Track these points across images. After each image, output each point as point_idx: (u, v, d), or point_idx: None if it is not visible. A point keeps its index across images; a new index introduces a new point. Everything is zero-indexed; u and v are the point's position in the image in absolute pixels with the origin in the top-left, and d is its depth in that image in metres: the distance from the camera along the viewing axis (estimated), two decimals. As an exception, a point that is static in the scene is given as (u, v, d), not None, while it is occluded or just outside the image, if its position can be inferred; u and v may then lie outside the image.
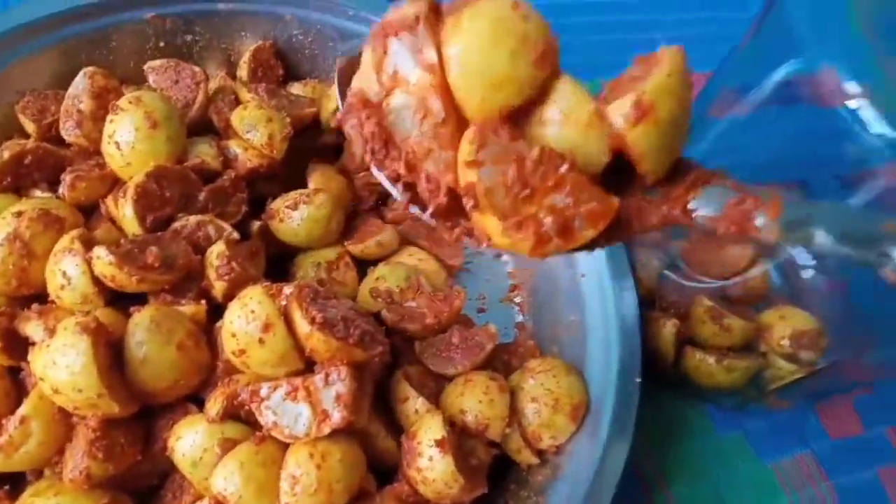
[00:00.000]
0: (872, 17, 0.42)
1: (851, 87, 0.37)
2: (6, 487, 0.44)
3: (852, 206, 0.38)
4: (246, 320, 0.43)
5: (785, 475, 0.63)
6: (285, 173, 0.62)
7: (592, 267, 0.58)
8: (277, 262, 0.58)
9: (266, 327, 0.43)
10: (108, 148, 0.53)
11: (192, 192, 0.54)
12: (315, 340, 0.43)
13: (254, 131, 0.57)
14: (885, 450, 0.66)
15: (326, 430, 0.42)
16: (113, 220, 0.53)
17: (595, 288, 0.57)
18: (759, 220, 0.32)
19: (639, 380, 0.52)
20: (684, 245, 0.61)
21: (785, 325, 0.57)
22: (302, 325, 0.43)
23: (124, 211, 0.50)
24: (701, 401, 0.64)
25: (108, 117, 0.53)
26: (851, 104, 0.37)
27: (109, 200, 0.53)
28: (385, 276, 0.58)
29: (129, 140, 0.52)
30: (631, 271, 0.58)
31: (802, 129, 0.49)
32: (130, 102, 0.53)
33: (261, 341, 0.43)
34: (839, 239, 0.31)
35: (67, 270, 0.45)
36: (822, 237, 0.31)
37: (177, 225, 0.51)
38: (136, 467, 0.44)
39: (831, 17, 0.43)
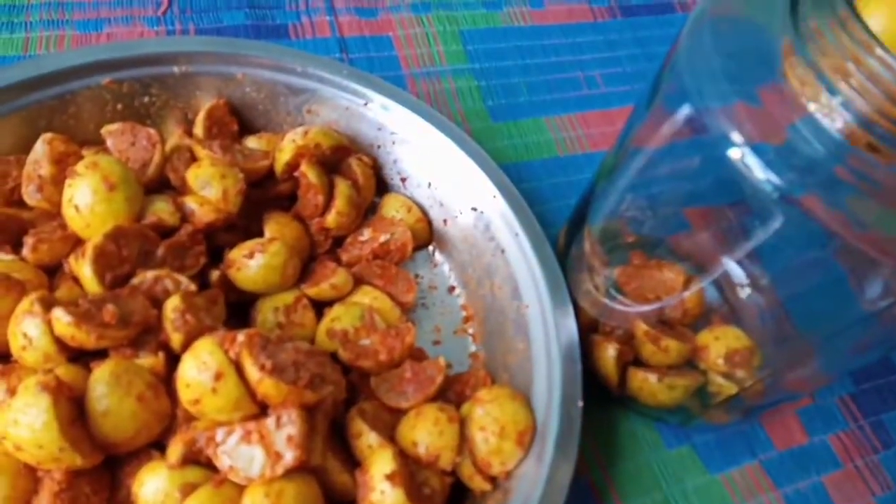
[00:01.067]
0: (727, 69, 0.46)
1: (735, 136, 0.42)
2: (-26, 544, 0.46)
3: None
4: (198, 370, 0.46)
5: (734, 486, 0.66)
6: (243, 223, 0.65)
7: (534, 297, 0.62)
8: (239, 307, 0.61)
9: (218, 376, 0.45)
10: (67, 211, 0.55)
11: (150, 248, 0.57)
12: (265, 386, 0.46)
13: (209, 187, 0.60)
14: (828, 458, 0.70)
15: (280, 470, 0.45)
16: (75, 279, 0.55)
17: (538, 317, 0.61)
18: None
19: (580, 404, 0.56)
20: (620, 271, 0.65)
21: (719, 344, 0.61)
22: (252, 373, 0.46)
23: (83, 271, 0.52)
24: (650, 419, 0.67)
25: (67, 182, 0.56)
26: (735, 154, 0.42)
27: (72, 260, 0.56)
28: (340, 317, 0.61)
29: (87, 203, 0.55)
30: (571, 299, 0.62)
31: (710, 165, 0.53)
32: (87, 167, 0.56)
33: (213, 390, 0.45)
34: None
35: (28, 332, 0.47)
36: None
37: (135, 281, 0.54)
38: (101, 516, 0.46)
39: (705, 74, 0.45)
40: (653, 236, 0.70)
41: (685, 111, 0.47)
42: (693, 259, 0.68)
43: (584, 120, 0.91)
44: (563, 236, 0.71)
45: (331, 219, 0.66)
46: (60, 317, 0.46)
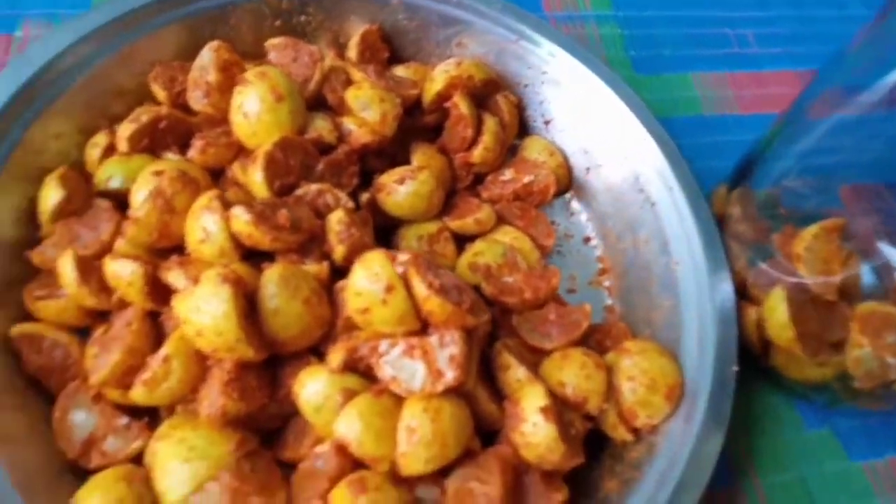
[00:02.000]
0: None
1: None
2: (145, 419, 0.49)
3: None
4: (370, 281, 0.46)
5: (876, 476, 0.62)
6: (391, 150, 0.65)
7: (686, 254, 0.59)
8: (382, 233, 0.61)
9: (388, 288, 0.45)
10: (235, 117, 0.56)
11: (311, 163, 0.57)
12: (432, 304, 0.46)
13: (368, 110, 0.60)
14: None
15: (440, 387, 0.45)
16: (238, 185, 0.57)
17: (689, 274, 0.58)
18: None
19: (735, 368, 0.53)
20: (779, 238, 0.61)
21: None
22: (420, 289, 0.46)
23: (254, 176, 0.53)
24: (793, 396, 0.64)
25: (237, 89, 0.57)
26: None
27: (236, 166, 0.57)
28: (483, 252, 0.60)
29: (255, 111, 0.55)
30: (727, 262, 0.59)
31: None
32: (257, 77, 0.56)
33: (384, 301, 0.45)
34: None
35: (207, 226, 0.49)
36: None
37: (299, 192, 0.54)
38: (263, 410, 0.47)
39: None
40: (810, 211, 0.66)
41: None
42: (851, 241, 0.63)
43: (734, 80, 0.85)
44: (716, 197, 0.67)
45: (477, 154, 0.65)
46: (240, 215, 0.47)
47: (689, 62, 0.86)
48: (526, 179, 0.66)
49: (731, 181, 0.66)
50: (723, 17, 0.92)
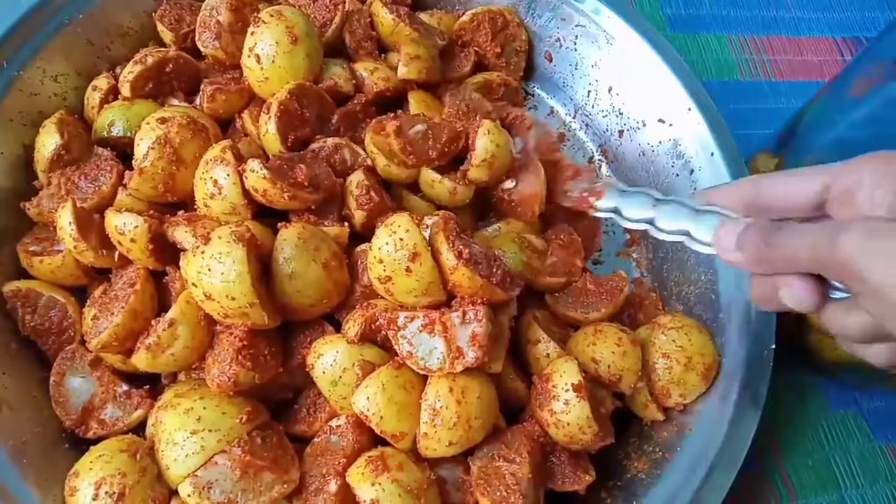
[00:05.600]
0: None
1: None
2: (147, 387, 0.46)
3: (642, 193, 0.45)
4: (394, 247, 0.42)
5: (902, 458, 0.60)
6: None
7: (727, 227, 0.55)
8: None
9: (414, 256, 0.42)
10: (247, 61, 0.52)
11: (327, 115, 0.53)
12: (459, 275, 0.42)
13: (406, 49, 0.56)
14: None
15: (459, 367, 0.42)
16: (247, 136, 0.52)
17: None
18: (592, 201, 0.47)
19: (773, 346, 0.50)
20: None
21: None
22: (449, 259, 0.42)
23: (267, 128, 0.49)
24: (821, 375, 0.62)
25: (250, 29, 0.52)
26: None
27: (246, 115, 0.53)
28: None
29: (269, 54, 0.51)
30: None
31: None
32: (272, 16, 0.51)
33: (408, 270, 0.42)
34: (629, 219, 0.44)
35: (219, 179, 0.45)
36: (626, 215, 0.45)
37: (315, 146, 0.50)
38: (275, 380, 0.44)
39: None
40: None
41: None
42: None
43: (770, 44, 0.80)
44: (757, 165, 0.63)
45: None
46: (256, 170, 0.43)
47: (726, 23, 0.81)
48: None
49: (774, 149, 0.62)
50: (762, -26, 0.86)
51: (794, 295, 0.35)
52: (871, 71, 0.56)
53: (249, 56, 0.51)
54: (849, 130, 0.58)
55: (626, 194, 0.46)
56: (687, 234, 0.42)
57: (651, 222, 0.43)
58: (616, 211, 0.46)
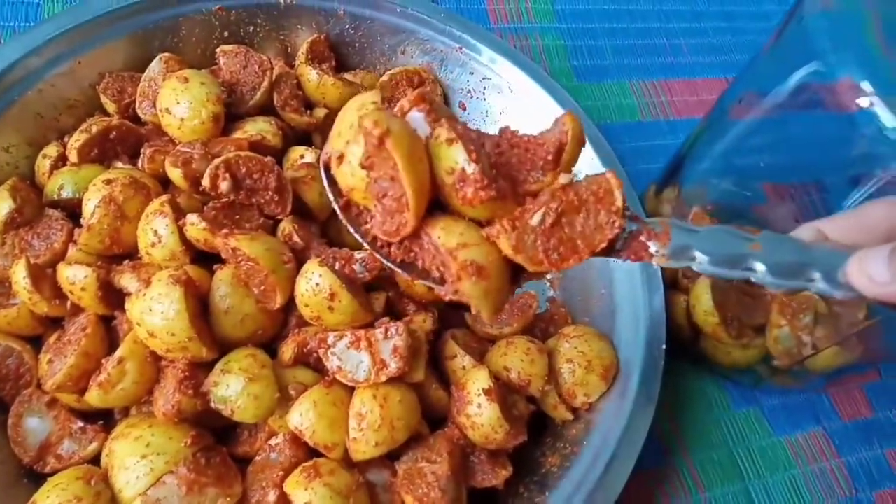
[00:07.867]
0: (884, 29, 0.47)
1: (866, 86, 0.42)
2: (100, 423, 0.50)
3: (724, 231, 0.37)
4: (313, 293, 0.48)
5: (798, 449, 0.67)
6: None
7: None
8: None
9: (332, 296, 0.48)
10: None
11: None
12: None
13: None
14: (892, 433, 0.71)
15: (384, 377, 0.47)
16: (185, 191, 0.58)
17: (623, 267, 0.62)
18: (652, 248, 0.37)
19: (664, 346, 0.57)
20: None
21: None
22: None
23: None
24: (719, 377, 0.69)
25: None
26: (864, 103, 0.42)
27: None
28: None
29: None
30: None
31: (817, 132, 0.53)
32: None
33: (330, 308, 0.48)
34: (715, 262, 0.36)
35: (158, 230, 0.50)
36: (702, 259, 0.36)
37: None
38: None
39: (847, 29, 0.46)
40: (732, 206, 0.70)
41: (810, 68, 0.47)
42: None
43: (668, 87, 0.91)
44: (649, 197, 0.71)
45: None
46: (195, 222, 0.49)
47: (627, 71, 0.91)
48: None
49: (661, 181, 0.71)
50: (659, 28, 0.97)
51: None
52: (738, 102, 0.65)
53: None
54: (724, 158, 0.66)
55: (695, 234, 0.37)
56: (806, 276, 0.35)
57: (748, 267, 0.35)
58: (689, 257, 0.37)
